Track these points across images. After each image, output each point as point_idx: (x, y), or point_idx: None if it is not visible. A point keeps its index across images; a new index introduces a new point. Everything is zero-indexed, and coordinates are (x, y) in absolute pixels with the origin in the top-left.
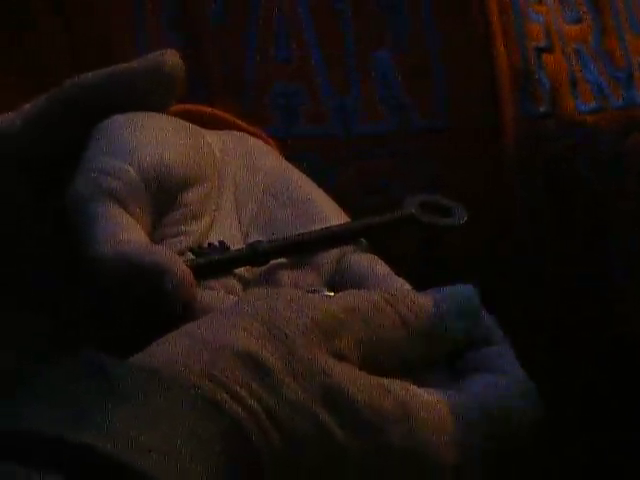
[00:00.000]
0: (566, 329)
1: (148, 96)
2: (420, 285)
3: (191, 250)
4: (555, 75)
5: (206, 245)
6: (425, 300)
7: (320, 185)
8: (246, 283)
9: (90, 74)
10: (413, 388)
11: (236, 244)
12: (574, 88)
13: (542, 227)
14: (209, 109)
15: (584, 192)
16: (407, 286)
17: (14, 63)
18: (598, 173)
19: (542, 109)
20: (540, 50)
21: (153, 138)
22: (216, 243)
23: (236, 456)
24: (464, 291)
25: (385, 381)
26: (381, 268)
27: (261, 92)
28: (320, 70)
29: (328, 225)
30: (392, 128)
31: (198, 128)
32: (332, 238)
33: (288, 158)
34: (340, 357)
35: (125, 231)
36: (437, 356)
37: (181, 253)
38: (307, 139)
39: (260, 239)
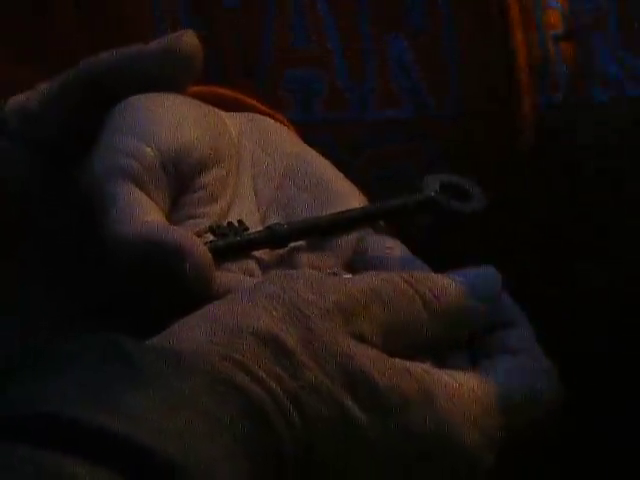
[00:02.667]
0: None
1: (166, 77)
2: (436, 269)
3: (210, 229)
4: (572, 63)
5: (225, 224)
6: (446, 282)
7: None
8: (264, 265)
9: (107, 54)
10: (434, 370)
11: (254, 226)
12: (591, 76)
13: (558, 214)
14: (227, 91)
15: (599, 179)
16: (426, 268)
17: (28, 45)
18: (614, 161)
19: (559, 97)
20: (558, 38)
21: (171, 119)
22: (235, 222)
23: (257, 439)
24: (485, 273)
25: (406, 363)
26: (400, 251)
27: (277, 77)
28: (337, 55)
29: (347, 208)
30: (408, 114)
31: (216, 110)
32: (351, 221)
33: (304, 143)
34: (361, 339)
35: (143, 212)
36: (458, 338)
37: (199, 235)
38: (323, 124)
39: (279, 221)
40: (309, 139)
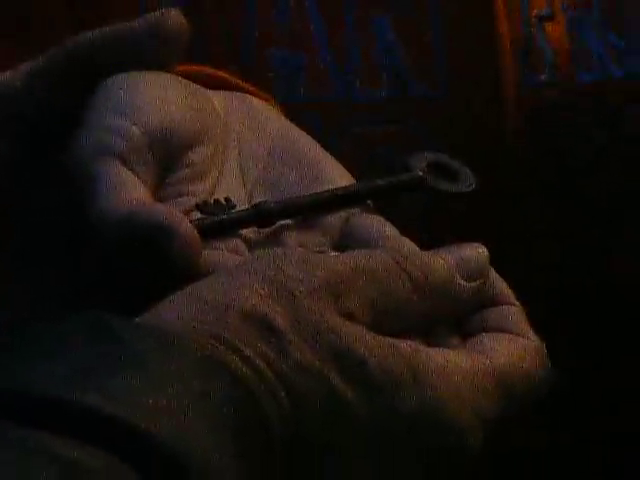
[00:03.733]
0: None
1: (151, 55)
2: (424, 247)
3: (197, 206)
4: (556, 44)
5: (212, 202)
6: (434, 260)
7: None
8: (251, 244)
9: (91, 33)
10: (423, 348)
11: (241, 205)
12: (575, 57)
13: (543, 197)
14: (213, 71)
15: (585, 161)
16: (415, 247)
17: (9, 20)
18: (598, 143)
19: (543, 78)
20: (542, 18)
21: (157, 97)
22: (222, 200)
23: (244, 418)
24: (473, 250)
25: (395, 341)
26: (388, 229)
27: (261, 58)
28: (320, 35)
29: (334, 187)
30: (392, 95)
31: (202, 88)
32: (339, 200)
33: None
34: (349, 317)
35: (130, 191)
36: (447, 316)
37: (186, 213)
38: (307, 105)
39: (266, 200)
40: (294, 120)
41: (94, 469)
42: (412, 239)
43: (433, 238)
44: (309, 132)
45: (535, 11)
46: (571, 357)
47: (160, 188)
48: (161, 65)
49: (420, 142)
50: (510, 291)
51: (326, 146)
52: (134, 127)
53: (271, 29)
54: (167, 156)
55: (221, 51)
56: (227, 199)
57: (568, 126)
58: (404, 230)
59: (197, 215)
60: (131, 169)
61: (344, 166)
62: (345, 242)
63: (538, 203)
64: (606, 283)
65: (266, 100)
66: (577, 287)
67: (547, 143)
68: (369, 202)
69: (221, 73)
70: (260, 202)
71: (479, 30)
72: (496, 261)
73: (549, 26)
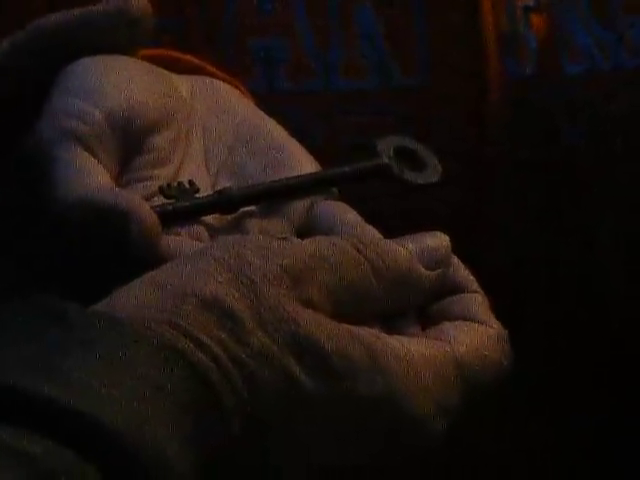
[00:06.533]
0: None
1: (115, 38)
2: (390, 235)
3: (160, 189)
4: (543, 35)
5: (175, 185)
6: (396, 247)
7: (301, 140)
8: (214, 231)
9: (55, 16)
10: (383, 336)
11: (205, 190)
12: (562, 49)
13: (525, 187)
14: (181, 55)
15: (569, 152)
16: (378, 234)
17: None
18: (584, 135)
19: (528, 70)
20: (528, 9)
21: (120, 81)
22: (186, 183)
23: (201, 406)
24: (435, 238)
25: (354, 329)
26: (352, 216)
27: (242, 45)
28: (303, 24)
29: (299, 173)
30: (374, 85)
31: (166, 72)
32: (303, 186)
33: (269, 112)
34: (309, 304)
35: (90, 175)
36: (408, 304)
37: (148, 198)
38: (288, 94)
39: (229, 186)
40: (274, 108)
41: (37, 455)
42: (379, 226)
43: (400, 225)
44: (291, 121)
45: (521, 2)
46: (545, 341)
47: (123, 173)
48: (126, 49)
49: (402, 132)
50: (473, 278)
51: (308, 135)
52: (97, 112)
53: (252, 17)
54: (130, 141)
55: (201, 39)
56: (191, 182)
57: (552, 118)
58: (370, 218)
59: (160, 199)
60: (93, 154)
61: (327, 155)
62: (308, 229)
63: (520, 193)
64: (589, 273)
65: (235, 86)
66: (559, 279)
67: (531, 134)
68: (334, 189)
69: (187, 57)
70: (223, 188)
71: (464, 20)
72: (474, 255)
73: (535, 17)
